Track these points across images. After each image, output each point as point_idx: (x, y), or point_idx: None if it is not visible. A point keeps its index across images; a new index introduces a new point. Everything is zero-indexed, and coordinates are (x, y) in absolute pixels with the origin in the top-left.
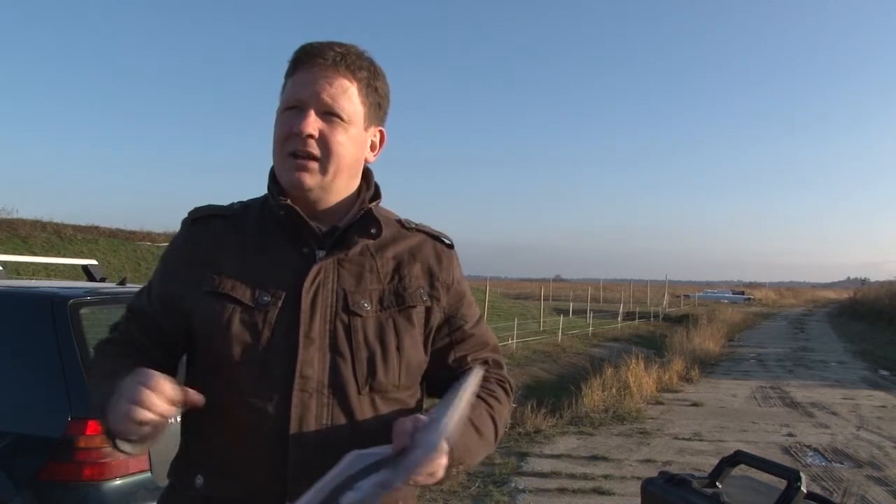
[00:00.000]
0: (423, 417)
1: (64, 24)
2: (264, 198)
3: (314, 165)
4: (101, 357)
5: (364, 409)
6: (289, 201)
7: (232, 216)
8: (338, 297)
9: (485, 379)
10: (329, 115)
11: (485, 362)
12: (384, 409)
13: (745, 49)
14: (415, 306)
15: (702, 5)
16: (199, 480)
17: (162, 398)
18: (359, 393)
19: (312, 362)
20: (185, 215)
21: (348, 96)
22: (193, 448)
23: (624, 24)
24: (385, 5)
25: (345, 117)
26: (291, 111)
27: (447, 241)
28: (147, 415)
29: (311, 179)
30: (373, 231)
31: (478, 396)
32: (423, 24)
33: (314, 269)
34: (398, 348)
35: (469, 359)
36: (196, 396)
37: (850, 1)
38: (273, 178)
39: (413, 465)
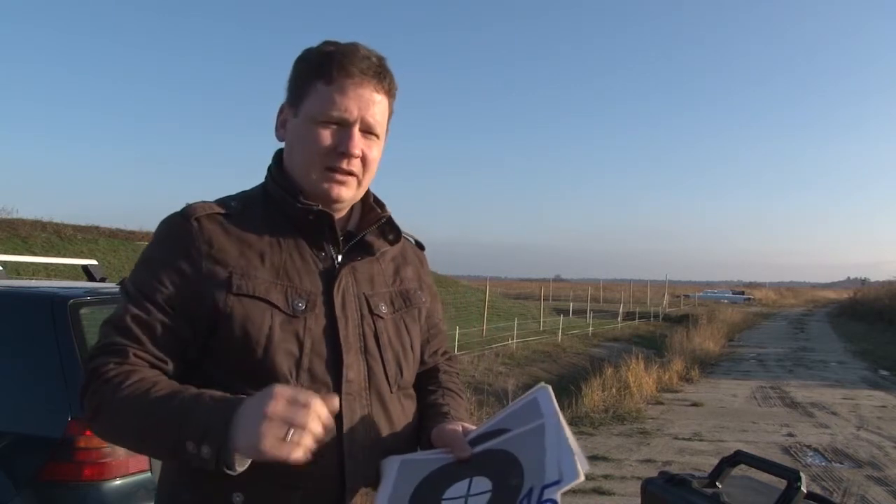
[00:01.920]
0: (470, 426)
1: (64, 24)
2: (263, 195)
3: (353, 181)
4: (141, 382)
5: (395, 407)
6: (320, 207)
7: (234, 215)
8: (360, 301)
9: (448, 373)
10: (369, 133)
11: (446, 355)
12: (407, 404)
13: (745, 49)
14: (418, 307)
15: (702, 5)
16: (239, 498)
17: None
18: (390, 392)
19: (353, 366)
20: (179, 211)
21: (384, 112)
22: None
23: (624, 24)
24: (386, 5)
25: (380, 134)
26: (334, 126)
27: (420, 243)
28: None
29: (347, 194)
30: (391, 238)
31: (453, 392)
32: (424, 24)
33: (342, 273)
34: (411, 346)
35: (439, 352)
36: (334, 405)
37: (851, 1)
38: (286, 177)
39: (555, 491)
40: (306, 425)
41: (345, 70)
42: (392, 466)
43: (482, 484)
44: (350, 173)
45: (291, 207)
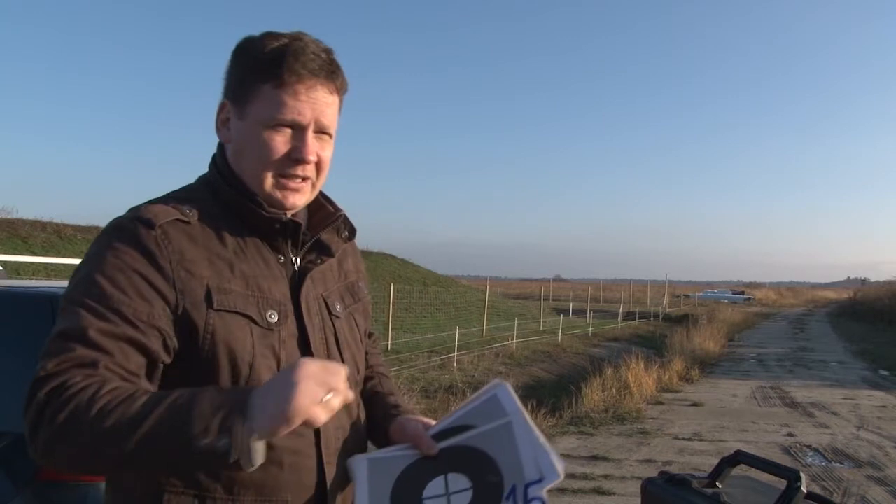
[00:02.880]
0: (429, 421)
1: (64, 24)
2: (213, 196)
3: (307, 186)
4: (122, 388)
5: (354, 406)
6: (288, 216)
7: (193, 221)
8: (320, 303)
9: (375, 356)
10: (322, 133)
11: (372, 337)
12: (360, 401)
13: (746, 48)
14: (363, 300)
15: (702, 4)
16: None
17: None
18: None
19: None
20: (133, 216)
21: (336, 111)
22: (206, 479)
23: (625, 24)
24: (385, 4)
25: (332, 134)
26: (286, 130)
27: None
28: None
29: (301, 200)
30: (345, 235)
31: (385, 375)
32: (424, 24)
33: (307, 280)
34: (361, 341)
35: (371, 340)
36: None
37: (851, 1)
38: (238, 180)
39: (540, 489)
40: (340, 388)
41: (295, 73)
42: (361, 466)
43: (460, 481)
44: (305, 179)
45: (256, 216)
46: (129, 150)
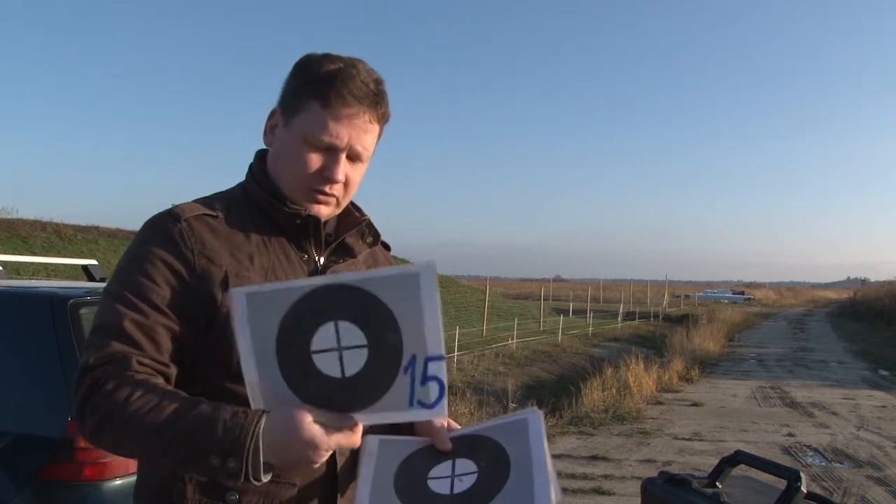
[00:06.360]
0: (454, 424)
1: (64, 24)
2: (245, 196)
3: (333, 201)
4: (149, 395)
5: None
6: (309, 212)
7: (221, 217)
8: None
9: None
10: (355, 158)
11: None
12: None
13: (746, 49)
14: None
15: (703, 4)
16: (234, 497)
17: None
18: None
19: None
20: (165, 212)
21: (373, 140)
22: None
23: (625, 23)
24: (385, 5)
25: (365, 159)
26: (322, 151)
27: (387, 244)
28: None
29: (326, 212)
30: (369, 240)
31: None
32: (426, 22)
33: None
34: None
35: None
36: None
37: (851, 1)
38: (270, 181)
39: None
40: (344, 442)
41: (342, 97)
42: (372, 444)
43: (467, 465)
44: (332, 195)
45: (278, 211)
46: (129, 150)
